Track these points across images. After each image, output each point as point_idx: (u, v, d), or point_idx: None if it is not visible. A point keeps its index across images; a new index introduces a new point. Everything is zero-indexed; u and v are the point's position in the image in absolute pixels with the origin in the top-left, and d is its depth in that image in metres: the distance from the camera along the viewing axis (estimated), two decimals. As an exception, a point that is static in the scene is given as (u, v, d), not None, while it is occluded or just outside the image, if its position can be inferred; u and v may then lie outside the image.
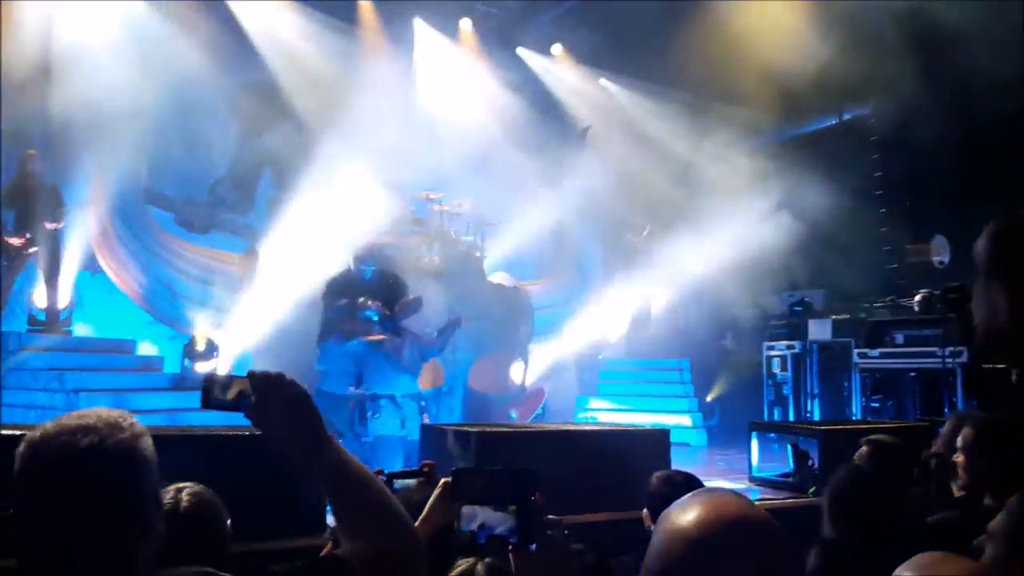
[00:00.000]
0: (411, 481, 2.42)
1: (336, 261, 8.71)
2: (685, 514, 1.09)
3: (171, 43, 9.75)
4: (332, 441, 1.39)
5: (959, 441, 2.65)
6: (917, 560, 1.53)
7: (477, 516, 1.36)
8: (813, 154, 10.57)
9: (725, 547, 1.03)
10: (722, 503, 1.09)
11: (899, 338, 9.50)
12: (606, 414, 10.57)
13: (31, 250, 8.63)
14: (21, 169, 8.75)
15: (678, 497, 2.54)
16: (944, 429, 3.42)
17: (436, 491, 1.90)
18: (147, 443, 1.37)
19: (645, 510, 2.86)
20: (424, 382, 9.44)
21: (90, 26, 9.46)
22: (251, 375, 1.39)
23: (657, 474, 2.93)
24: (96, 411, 1.37)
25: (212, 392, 1.40)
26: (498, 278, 11.21)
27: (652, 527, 2.72)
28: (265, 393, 1.37)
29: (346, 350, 8.04)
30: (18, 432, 3.65)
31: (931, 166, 9.36)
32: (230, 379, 1.40)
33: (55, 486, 1.29)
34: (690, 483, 2.79)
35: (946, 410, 8.06)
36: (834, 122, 11.55)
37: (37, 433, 1.33)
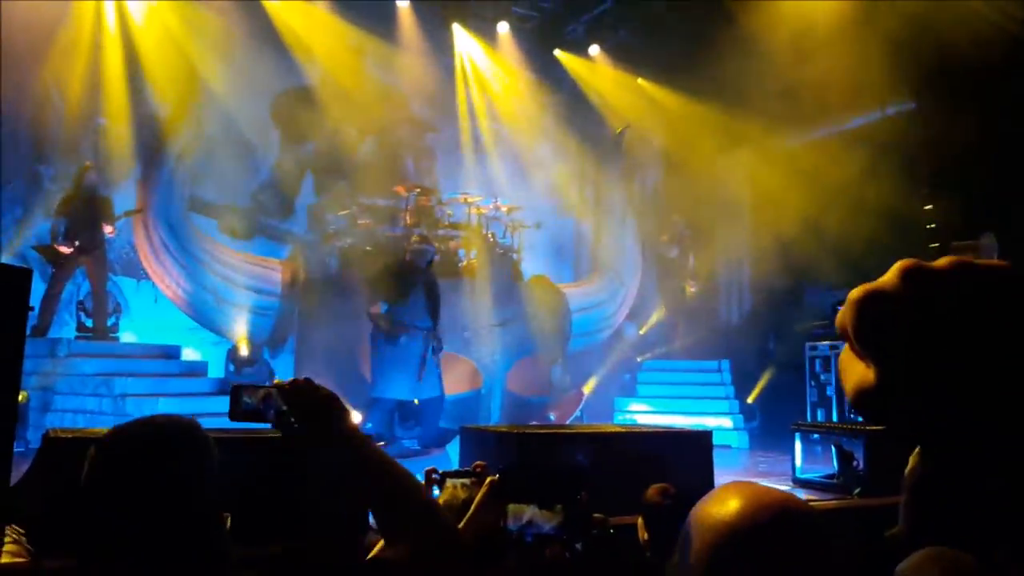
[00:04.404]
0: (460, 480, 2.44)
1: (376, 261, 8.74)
2: (724, 505, 1.06)
3: (214, 51, 9.93)
4: (369, 442, 1.38)
5: None
6: (922, 553, 1.51)
7: (524, 515, 1.36)
8: (857, 150, 10.39)
9: (772, 535, 1.03)
10: (758, 492, 1.08)
11: (946, 337, 9.30)
12: (645, 416, 10.50)
13: (80, 258, 8.82)
14: (77, 180, 8.95)
15: (673, 510, 2.52)
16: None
17: (483, 489, 1.90)
18: (210, 449, 1.39)
19: (640, 519, 2.84)
20: (463, 384, 9.48)
21: (136, 39, 9.70)
22: (277, 384, 1.39)
23: (654, 486, 2.93)
24: (163, 417, 1.38)
25: (240, 401, 1.38)
26: (536, 280, 11.21)
27: (646, 537, 2.71)
28: (294, 399, 1.36)
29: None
30: (71, 436, 3.75)
31: (979, 162, 9.16)
32: (256, 387, 1.39)
33: (121, 488, 1.31)
34: (684, 497, 2.76)
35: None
36: (878, 117, 11.35)
37: (106, 436, 1.35)
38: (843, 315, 0.68)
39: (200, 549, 1.32)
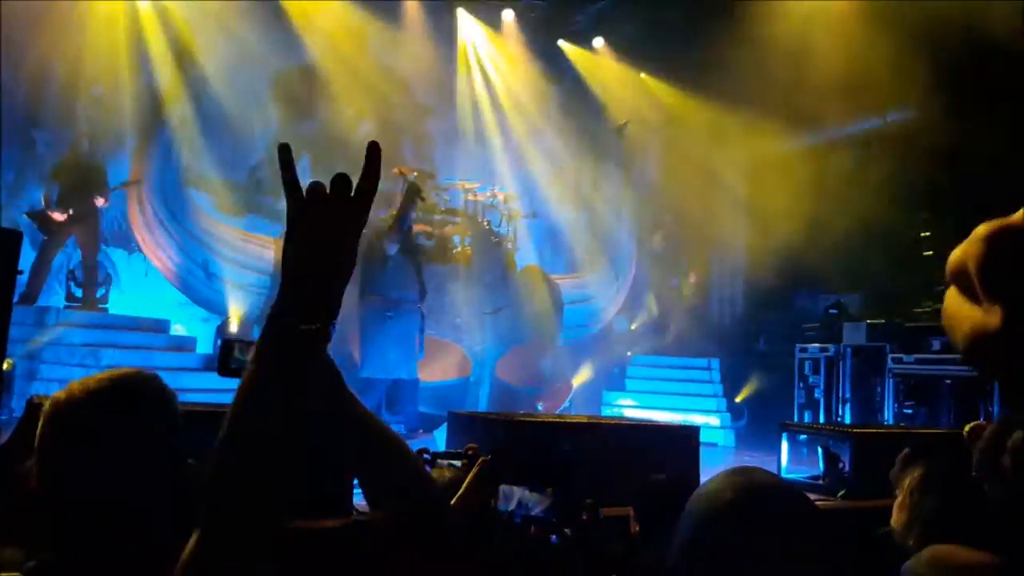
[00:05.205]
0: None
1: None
2: (718, 486, 1.11)
3: (215, 27, 9.85)
4: (356, 400, 1.35)
5: (1009, 443, 2.58)
6: (930, 551, 1.52)
7: (514, 496, 1.35)
8: (856, 156, 10.38)
9: (761, 512, 1.05)
10: (753, 474, 1.12)
11: (936, 344, 9.34)
12: (633, 410, 10.51)
13: (72, 227, 8.76)
14: (72, 148, 8.90)
15: (663, 502, 2.51)
16: (986, 433, 3.34)
17: (474, 470, 1.88)
18: (170, 408, 1.35)
19: (631, 509, 2.83)
20: (452, 371, 9.47)
21: (136, 10, 9.61)
22: None
23: (648, 477, 2.92)
24: (120, 373, 1.33)
25: (231, 355, 1.32)
26: (529, 270, 11.19)
27: (636, 528, 2.72)
28: None
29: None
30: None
31: (977, 171, 9.18)
32: (249, 343, 1.32)
33: (69, 451, 1.27)
34: (678, 488, 2.75)
35: (981, 418, 7.91)
36: (879, 124, 11.36)
37: (60, 396, 1.32)
38: (965, 252, 0.62)
39: (168, 502, 1.29)
